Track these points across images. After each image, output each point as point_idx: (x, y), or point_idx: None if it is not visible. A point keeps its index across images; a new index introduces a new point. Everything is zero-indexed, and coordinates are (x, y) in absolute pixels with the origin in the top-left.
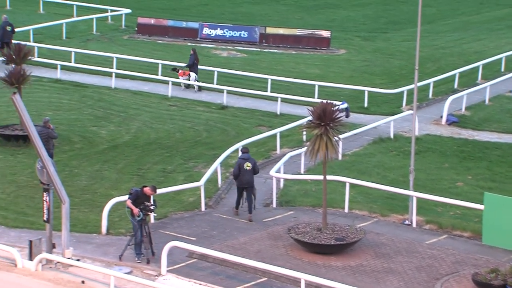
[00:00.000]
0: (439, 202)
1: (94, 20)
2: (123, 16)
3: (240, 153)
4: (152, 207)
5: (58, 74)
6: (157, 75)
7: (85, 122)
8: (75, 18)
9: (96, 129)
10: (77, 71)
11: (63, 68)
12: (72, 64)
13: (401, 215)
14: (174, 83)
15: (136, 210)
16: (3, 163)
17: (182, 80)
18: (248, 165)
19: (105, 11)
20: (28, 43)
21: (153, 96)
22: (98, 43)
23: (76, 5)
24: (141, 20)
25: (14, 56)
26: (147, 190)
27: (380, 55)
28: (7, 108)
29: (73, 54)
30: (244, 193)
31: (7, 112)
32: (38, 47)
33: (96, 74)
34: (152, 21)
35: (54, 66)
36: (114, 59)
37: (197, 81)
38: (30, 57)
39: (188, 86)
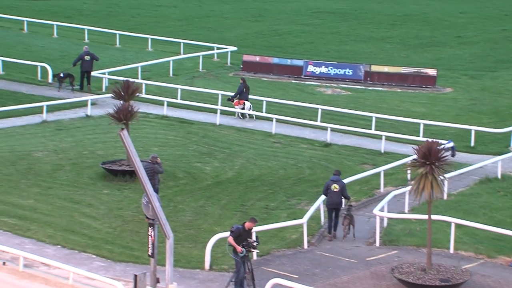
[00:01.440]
0: None
1: (201, 57)
2: (229, 53)
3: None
4: (254, 244)
5: (165, 111)
6: (262, 112)
7: (190, 158)
8: (182, 56)
9: (200, 165)
10: (183, 107)
11: (170, 104)
12: (178, 100)
13: (508, 257)
14: (278, 120)
15: (239, 248)
16: (110, 198)
17: (237, 109)
18: (335, 187)
19: (211, 48)
20: (136, 80)
21: (257, 133)
22: (204, 80)
23: (184, 43)
24: (247, 57)
25: (122, 93)
26: (248, 224)
27: (487, 94)
28: (115, 144)
29: (179, 91)
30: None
31: (114, 147)
32: (146, 84)
33: (202, 110)
34: (257, 58)
35: (161, 103)
36: (219, 96)
37: (251, 110)
38: (138, 94)
39: (243, 115)
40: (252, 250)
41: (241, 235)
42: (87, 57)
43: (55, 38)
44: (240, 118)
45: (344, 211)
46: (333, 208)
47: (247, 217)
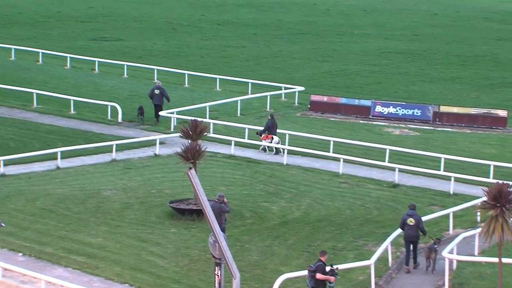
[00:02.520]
0: None
1: (268, 97)
2: (296, 93)
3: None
4: (336, 271)
5: (232, 150)
6: (329, 152)
7: (256, 198)
8: (250, 96)
9: (267, 205)
10: (250, 147)
11: (237, 144)
12: (246, 140)
13: None
14: (345, 160)
15: (332, 278)
16: (177, 237)
17: (264, 143)
18: (411, 221)
19: (279, 88)
20: (204, 120)
21: (324, 173)
22: None
23: (251, 82)
24: (314, 97)
25: (190, 132)
26: (324, 258)
27: None
28: (183, 183)
29: (246, 130)
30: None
31: (182, 186)
32: (214, 124)
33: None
34: (325, 98)
35: (228, 142)
36: (287, 136)
37: (279, 144)
38: (205, 133)
39: (271, 150)
40: (336, 276)
41: (324, 270)
42: (156, 91)
43: (125, 78)
44: (265, 152)
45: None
46: (409, 241)
47: (314, 258)
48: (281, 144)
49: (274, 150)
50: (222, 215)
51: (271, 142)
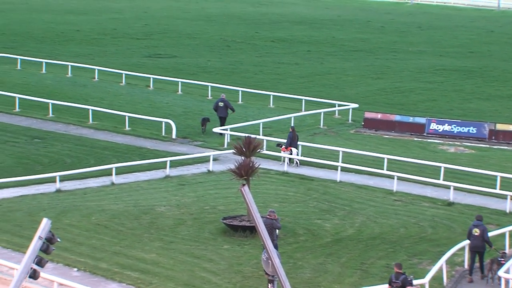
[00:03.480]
0: None
1: (322, 114)
2: (350, 110)
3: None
4: (410, 278)
5: (285, 167)
6: (383, 169)
7: (310, 215)
8: (303, 113)
9: (320, 222)
10: (303, 164)
11: (291, 161)
12: (299, 157)
13: None
14: (399, 178)
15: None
16: (230, 253)
17: (284, 154)
18: (476, 231)
19: (333, 105)
20: (257, 136)
21: (378, 190)
22: (325, 137)
23: (305, 99)
24: (368, 114)
25: (244, 149)
26: (398, 270)
27: None
28: (236, 199)
29: (300, 147)
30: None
31: (235, 203)
32: (267, 140)
33: (322, 167)
34: (379, 115)
35: (281, 159)
36: (340, 153)
37: (297, 156)
38: (259, 150)
39: (292, 161)
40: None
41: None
42: (220, 104)
43: (179, 94)
44: (288, 164)
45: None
46: (475, 251)
47: (368, 276)
48: (335, 161)
49: (295, 162)
50: (274, 231)
51: (291, 154)
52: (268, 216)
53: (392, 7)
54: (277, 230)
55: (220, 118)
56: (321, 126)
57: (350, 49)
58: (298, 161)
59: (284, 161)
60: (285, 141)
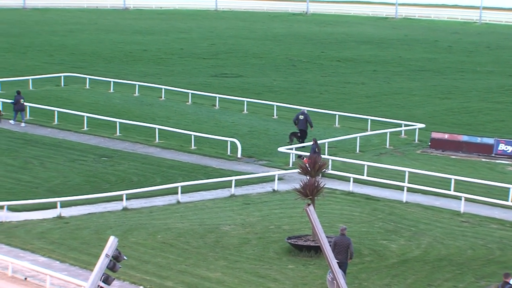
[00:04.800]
0: None
1: (388, 134)
2: (417, 130)
3: None
4: None
5: (351, 187)
6: (450, 190)
7: (375, 235)
8: (369, 132)
9: (386, 243)
10: (369, 184)
11: (356, 181)
12: (365, 177)
13: None
14: (467, 199)
15: None
16: (295, 273)
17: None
18: None
19: (399, 125)
20: (322, 156)
21: (445, 211)
22: (391, 157)
23: (371, 119)
24: (435, 135)
25: (309, 169)
26: (509, 280)
27: None
28: (301, 219)
29: (365, 167)
30: None
31: (300, 222)
32: (332, 160)
33: (388, 187)
34: (446, 136)
35: (347, 179)
36: (406, 173)
37: None
38: (324, 170)
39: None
40: None
41: None
42: (301, 117)
43: (245, 114)
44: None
45: None
46: None
47: None
48: (401, 181)
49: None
50: (348, 250)
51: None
52: (342, 233)
53: (460, 26)
54: (351, 247)
55: (300, 130)
56: (387, 146)
57: (417, 68)
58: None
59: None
60: (307, 154)
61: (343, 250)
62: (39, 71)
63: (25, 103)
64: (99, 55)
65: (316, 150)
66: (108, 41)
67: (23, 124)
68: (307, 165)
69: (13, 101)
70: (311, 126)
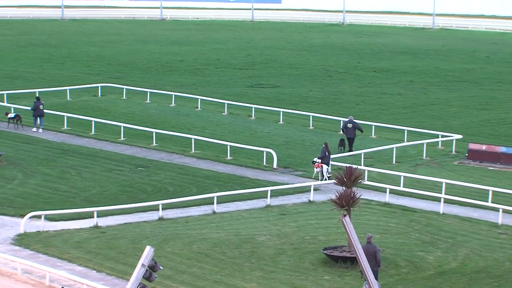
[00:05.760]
0: None
1: (424, 145)
2: (454, 141)
3: None
4: None
5: (387, 198)
6: (487, 201)
7: (411, 247)
8: (406, 143)
9: (422, 254)
10: (406, 195)
11: (392, 192)
12: (401, 188)
13: None
14: (505, 211)
15: None
16: (331, 284)
17: (316, 170)
18: None
19: (436, 136)
20: (359, 167)
21: (482, 223)
22: (428, 168)
23: (407, 130)
24: (472, 146)
25: (345, 179)
26: None
27: None
28: (336, 230)
29: (402, 178)
30: None
31: (336, 233)
32: (368, 171)
33: (425, 198)
34: (484, 147)
35: (383, 190)
36: (443, 184)
37: (329, 172)
38: (360, 181)
39: (320, 176)
40: None
41: None
42: (349, 125)
43: (281, 124)
44: (319, 179)
45: None
46: None
47: None
48: (438, 192)
49: (324, 178)
50: (375, 258)
51: (321, 171)
52: (368, 241)
53: (498, 37)
54: (379, 255)
55: (348, 139)
56: (424, 157)
57: (454, 79)
58: (327, 177)
59: (316, 176)
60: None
61: (370, 258)
62: (76, 81)
63: (44, 110)
64: (136, 65)
65: (327, 154)
66: (145, 52)
67: (40, 130)
68: (343, 175)
69: (32, 107)
70: (361, 131)
